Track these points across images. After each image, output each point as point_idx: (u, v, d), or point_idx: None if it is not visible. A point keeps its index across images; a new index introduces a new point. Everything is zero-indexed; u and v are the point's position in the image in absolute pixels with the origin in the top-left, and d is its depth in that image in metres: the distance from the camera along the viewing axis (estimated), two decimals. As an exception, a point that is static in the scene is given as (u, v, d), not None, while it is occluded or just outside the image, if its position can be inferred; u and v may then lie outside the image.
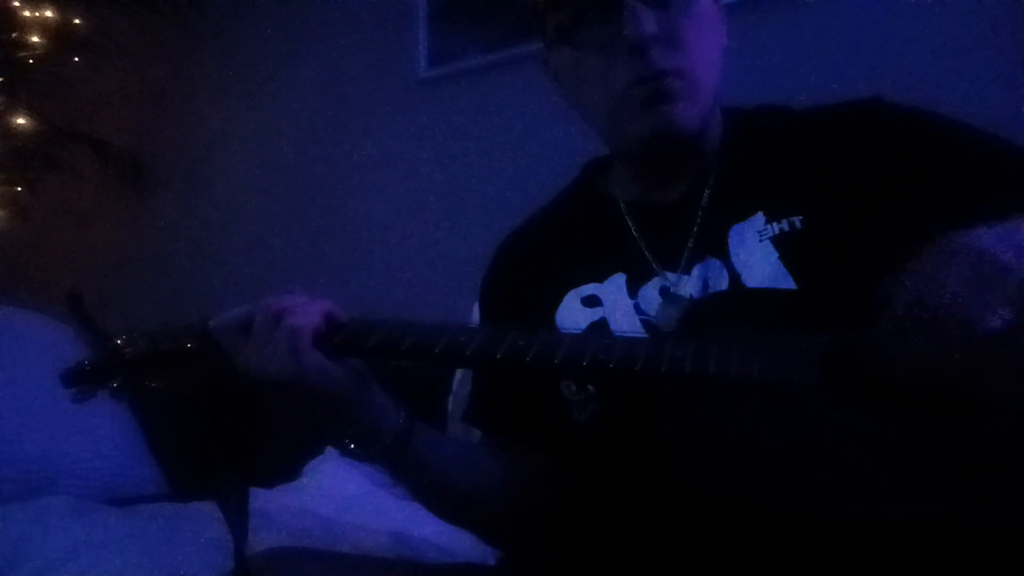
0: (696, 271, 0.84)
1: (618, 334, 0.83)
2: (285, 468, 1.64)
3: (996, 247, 0.63)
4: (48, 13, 2.45)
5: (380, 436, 0.80)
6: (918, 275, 0.64)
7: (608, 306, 0.86)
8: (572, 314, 0.88)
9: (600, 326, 0.86)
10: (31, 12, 2.43)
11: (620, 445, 0.81)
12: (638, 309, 0.85)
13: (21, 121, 2.47)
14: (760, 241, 0.81)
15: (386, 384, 0.82)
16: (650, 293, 0.85)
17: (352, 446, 0.81)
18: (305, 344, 0.75)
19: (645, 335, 0.82)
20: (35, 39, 2.44)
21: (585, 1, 0.82)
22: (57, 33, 2.46)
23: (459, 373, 1.59)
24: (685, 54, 0.81)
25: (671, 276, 0.85)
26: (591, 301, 0.88)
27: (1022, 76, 1.42)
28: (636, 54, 0.80)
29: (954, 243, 0.64)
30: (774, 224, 0.82)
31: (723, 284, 0.82)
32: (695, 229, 0.85)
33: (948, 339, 0.62)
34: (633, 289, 0.86)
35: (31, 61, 2.45)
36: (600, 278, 0.88)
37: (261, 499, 1.42)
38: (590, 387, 0.84)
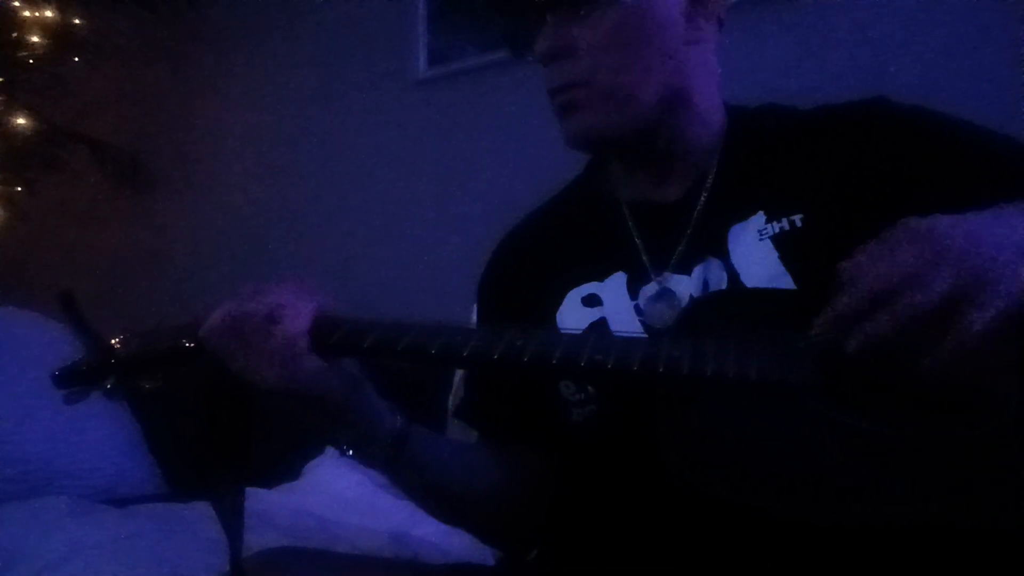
0: (696, 271, 0.83)
1: (617, 334, 0.83)
2: (285, 468, 1.64)
3: (949, 231, 0.62)
4: (48, 13, 2.44)
5: (376, 439, 0.80)
6: (870, 253, 0.63)
7: (608, 306, 0.86)
8: (573, 314, 0.87)
9: (600, 326, 0.85)
10: (31, 12, 2.43)
11: (618, 446, 0.81)
12: (638, 310, 0.84)
13: (20, 121, 2.47)
14: (760, 240, 0.81)
15: (387, 383, 0.82)
16: (650, 293, 0.85)
17: (349, 450, 0.81)
18: (302, 351, 0.74)
19: (644, 335, 0.82)
20: (35, 39, 2.44)
21: (512, 20, 0.86)
22: (56, 33, 2.45)
23: (459, 372, 1.58)
24: (586, 64, 0.82)
25: (671, 276, 0.84)
26: (591, 300, 0.87)
27: (1020, 76, 1.41)
28: (545, 67, 0.84)
29: (909, 226, 0.63)
30: (774, 223, 0.81)
31: (723, 284, 0.81)
32: (695, 229, 0.85)
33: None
34: (634, 289, 0.86)
35: (31, 61, 2.45)
36: (600, 277, 0.88)
37: (259, 499, 1.42)
38: (589, 387, 0.84)
